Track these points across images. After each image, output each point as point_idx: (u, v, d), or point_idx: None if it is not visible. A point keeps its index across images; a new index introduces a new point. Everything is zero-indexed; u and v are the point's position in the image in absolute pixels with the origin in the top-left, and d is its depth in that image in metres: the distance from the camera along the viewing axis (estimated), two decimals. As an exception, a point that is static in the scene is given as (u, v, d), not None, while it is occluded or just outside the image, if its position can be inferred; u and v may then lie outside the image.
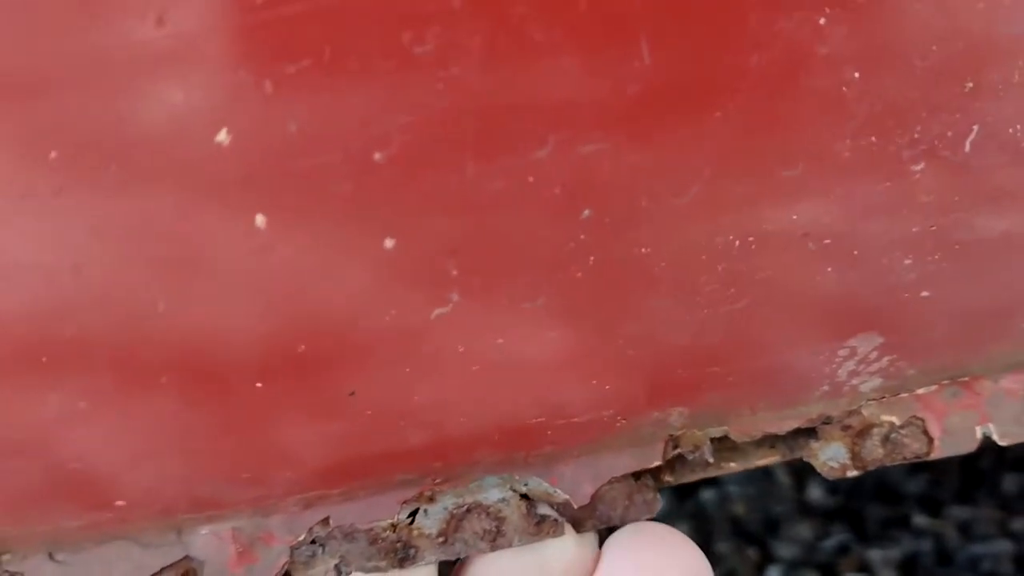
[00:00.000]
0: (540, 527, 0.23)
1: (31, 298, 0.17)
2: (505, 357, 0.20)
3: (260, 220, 0.17)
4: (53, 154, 0.16)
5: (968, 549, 0.65)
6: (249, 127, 0.16)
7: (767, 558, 0.70)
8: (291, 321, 0.18)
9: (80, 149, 0.16)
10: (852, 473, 0.24)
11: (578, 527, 0.23)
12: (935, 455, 0.24)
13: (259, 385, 0.19)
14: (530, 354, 0.20)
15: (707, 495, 0.81)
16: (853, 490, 0.78)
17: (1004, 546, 0.63)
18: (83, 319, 0.18)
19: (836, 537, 0.71)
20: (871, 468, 0.24)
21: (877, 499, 0.76)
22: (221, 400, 0.19)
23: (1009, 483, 0.72)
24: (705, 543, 0.72)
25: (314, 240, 0.17)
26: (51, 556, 0.23)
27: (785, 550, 0.71)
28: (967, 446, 0.24)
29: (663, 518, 0.70)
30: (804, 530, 0.73)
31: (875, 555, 0.67)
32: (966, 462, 0.78)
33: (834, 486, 0.79)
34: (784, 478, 0.82)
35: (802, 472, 0.83)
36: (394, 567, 0.23)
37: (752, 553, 0.71)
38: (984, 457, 0.78)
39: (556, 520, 0.23)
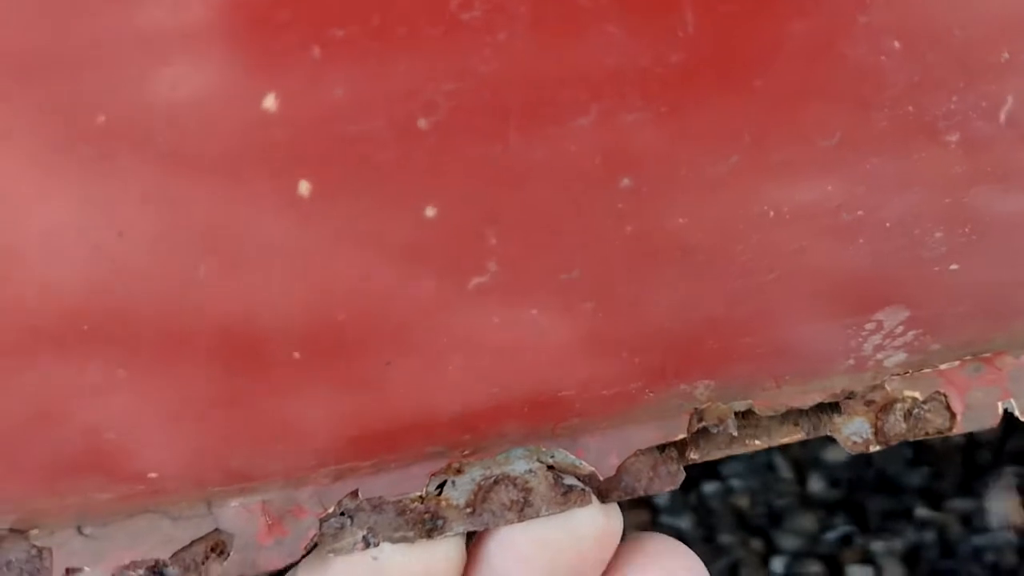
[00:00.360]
0: (567, 497, 0.23)
1: (74, 264, 0.17)
2: (538, 329, 0.20)
3: (304, 187, 0.17)
4: (101, 118, 0.16)
5: (971, 541, 0.65)
6: (296, 93, 0.16)
7: (771, 549, 0.71)
8: (331, 290, 0.19)
9: (127, 115, 0.16)
10: (875, 448, 0.24)
11: (604, 498, 0.24)
12: (957, 430, 0.24)
13: (296, 355, 0.19)
14: (563, 326, 0.20)
15: (709, 488, 0.82)
16: (854, 483, 0.78)
17: (1007, 537, 0.64)
18: (125, 286, 0.18)
19: (839, 529, 0.71)
20: (893, 443, 0.25)
21: (878, 491, 0.76)
22: (258, 370, 0.20)
23: (1009, 475, 0.73)
24: (709, 535, 0.73)
25: (356, 207, 0.17)
26: (79, 530, 0.23)
27: (789, 541, 0.71)
28: (989, 421, 0.25)
29: (667, 509, 0.70)
30: (807, 522, 0.73)
31: (878, 546, 0.67)
32: (967, 455, 0.79)
33: (835, 479, 0.80)
34: (786, 471, 0.82)
35: (804, 465, 0.83)
36: (422, 537, 0.23)
37: (756, 545, 0.71)
38: (984, 450, 0.79)
39: (583, 490, 0.23)
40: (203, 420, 0.20)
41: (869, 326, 0.22)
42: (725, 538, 0.73)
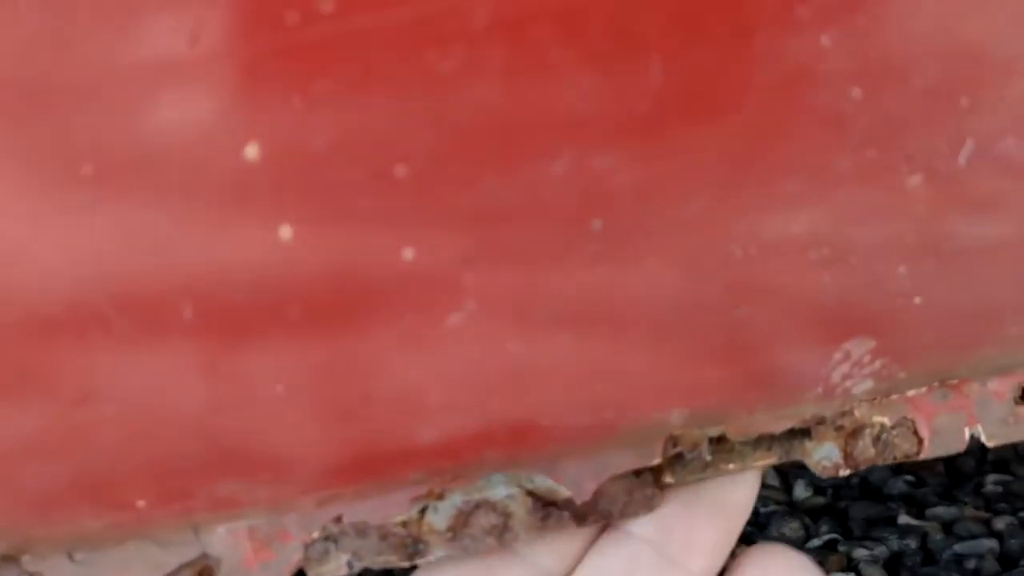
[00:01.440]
0: (545, 523, 0.24)
1: (56, 302, 0.18)
2: (516, 363, 0.21)
3: (286, 232, 0.18)
4: (87, 168, 0.17)
5: (952, 548, 0.66)
6: (278, 142, 0.17)
7: (755, 557, 0.71)
8: (312, 325, 0.19)
9: (112, 162, 0.17)
10: (844, 472, 0.25)
11: (581, 522, 0.24)
12: (925, 455, 0.25)
13: (279, 388, 0.20)
14: (539, 360, 0.21)
15: (695, 495, 0.82)
16: (839, 490, 0.79)
17: (988, 544, 0.65)
18: (108, 325, 0.18)
19: (823, 536, 0.72)
20: (863, 468, 0.25)
21: (862, 498, 0.77)
22: (244, 404, 0.20)
23: (992, 484, 0.74)
24: (694, 542, 0.73)
25: (336, 250, 0.18)
26: (70, 556, 0.23)
27: (773, 549, 0.72)
28: (956, 446, 0.25)
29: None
30: (791, 528, 0.74)
31: (861, 553, 0.68)
32: (949, 463, 0.80)
33: (820, 486, 0.81)
34: (772, 478, 0.83)
35: (789, 472, 0.84)
36: (404, 561, 0.24)
37: (741, 551, 0.72)
38: (967, 458, 0.80)
39: (561, 515, 0.24)
40: (189, 452, 0.21)
41: (837, 356, 0.23)
42: (711, 546, 0.73)
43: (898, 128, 0.19)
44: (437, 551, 0.24)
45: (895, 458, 0.25)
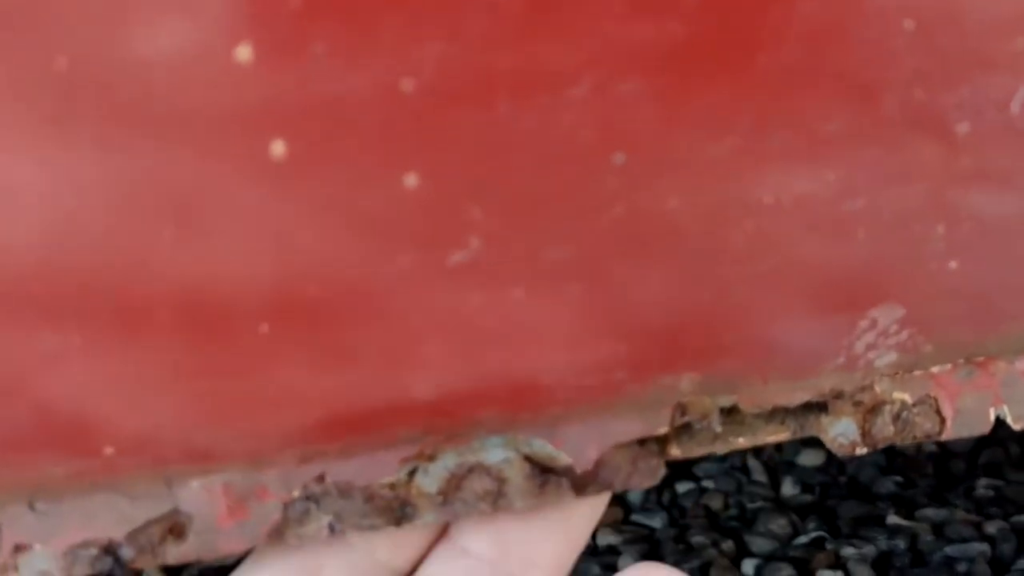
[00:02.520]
0: (543, 489, 0.22)
1: (28, 221, 0.16)
2: (521, 311, 0.19)
3: (278, 147, 0.16)
4: (62, 64, 0.15)
5: (943, 550, 0.65)
6: (273, 45, 0.15)
7: (743, 551, 0.70)
8: (303, 260, 0.18)
9: (90, 63, 0.15)
10: (861, 450, 0.24)
11: (580, 491, 0.23)
12: (947, 436, 0.24)
13: (264, 328, 0.18)
14: (546, 309, 0.19)
15: (683, 488, 0.81)
16: (827, 488, 0.78)
17: (980, 548, 0.63)
18: (82, 247, 0.17)
19: (810, 533, 0.71)
20: (881, 446, 0.24)
21: (851, 497, 0.76)
22: (223, 342, 0.19)
23: (983, 488, 0.73)
24: (681, 535, 0.72)
25: (333, 172, 0.16)
26: (31, 505, 0.22)
27: (760, 544, 0.71)
28: (980, 428, 0.24)
29: (639, 508, 0.70)
30: (779, 525, 0.73)
31: (849, 552, 0.67)
32: (940, 465, 0.79)
33: (808, 483, 0.80)
34: (760, 474, 0.82)
35: (777, 469, 0.83)
36: (391, 526, 0.22)
37: (728, 546, 0.71)
38: (958, 461, 0.79)
39: (560, 482, 0.22)
40: (162, 394, 0.19)
41: (863, 323, 0.21)
42: (697, 538, 0.72)
43: (949, 68, 0.17)
44: (426, 516, 0.22)
45: (915, 437, 0.24)
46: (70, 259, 0.17)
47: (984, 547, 0.63)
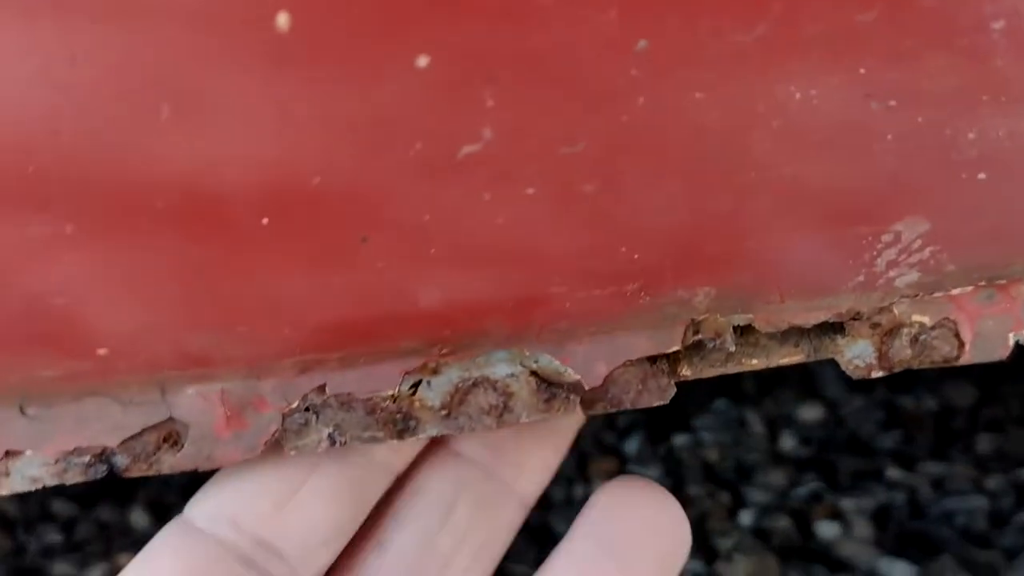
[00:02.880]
0: (550, 404, 0.22)
1: (17, 93, 0.15)
2: (533, 211, 0.18)
3: (282, 20, 0.15)
4: None
5: (942, 503, 0.65)
6: None
7: (739, 503, 0.70)
8: (306, 147, 0.17)
9: None
10: (877, 373, 0.23)
11: (588, 408, 0.22)
12: (965, 360, 0.23)
13: (265, 221, 0.17)
14: (559, 210, 0.19)
15: (680, 440, 0.81)
16: (826, 442, 0.78)
17: (979, 502, 0.63)
18: (76, 124, 0.16)
19: (809, 486, 0.71)
20: (897, 370, 0.23)
21: (850, 451, 0.75)
22: (221, 235, 0.18)
23: (983, 443, 0.72)
24: (677, 486, 0.72)
25: (340, 48, 0.16)
26: (22, 410, 0.21)
27: (757, 495, 0.70)
28: (998, 352, 0.23)
29: (635, 459, 0.69)
30: (776, 477, 0.73)
31: (848, 504, 0.66)
32: (940, 422, 0.78)
33: (807, 437, 0.79)
34: (758, 427, 0.82)
35: (776, 422, 0.82)
36: (392, 439, 0.21)
37: (724, 498, 0.70)
38: (958, 417, 0.78)
39: (567, 398, 0.22)
40: (159, 290, 0.18)
41: (886, 237, 0.20)
42: (693, 489, 0.72)
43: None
44: (429, 429, 0.22)
45: (932, 361, 0.23)
46: (60, 141, 0.16)
47: (983, 501, 0.63)
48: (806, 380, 0.92)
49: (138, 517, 0.61)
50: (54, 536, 0.54)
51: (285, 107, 0.16)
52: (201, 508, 0.23)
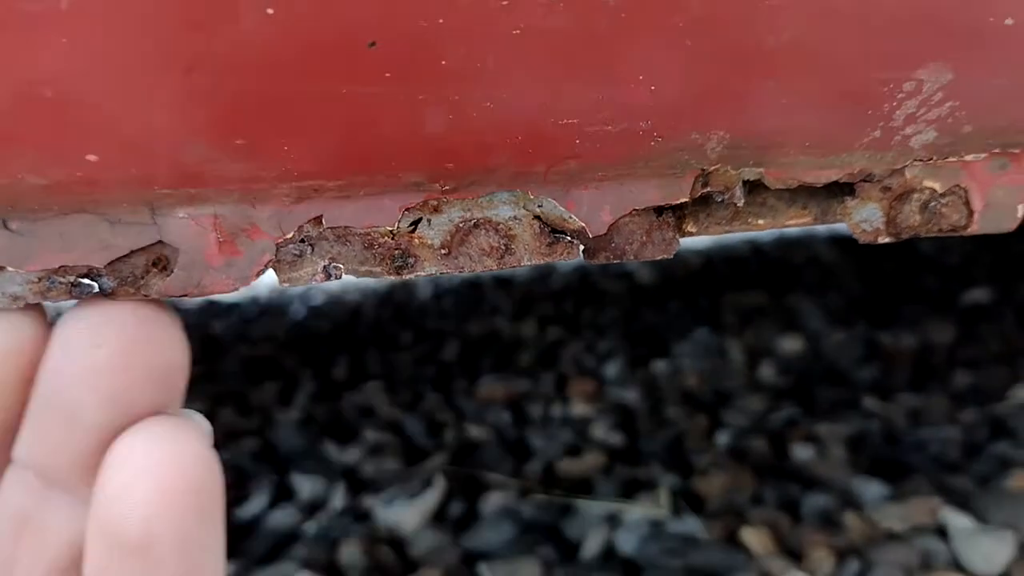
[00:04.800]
0: (552, 248, 0.21)
1: None
2: (551, 22, 0.18)
3: None
4: None
5: (916, 433, 0.65)
6: None
7: (716, 425, 0.70)
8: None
9: None
10: (884, 239, 0.23)
11: (591, 257, 0.22)
12: (973, 229, 0.23)
13: (270, 11, 0.17)
14: (578, 24, 0.18)
15: (660, 366, 0.81)
16: (804, 372, 0.78)
17: (952, 432, 0.64)
18: None
19: (785, 411, 0.71)
20: (904, 236, 0.23)
21: (828, 382, 0.76)
22: (225, 28, 0.17)
23: (961, 378, 0.73)
24: (654, 408, 0.72)
25: None
26: (5, 224, 0.20)
27: (735, 419, 0.71)
28: (1007, 223, 0.23)
29: (614, 382, 0.69)
30: (755, 403, 0.73)
31: (824, 429, 0.67)
32: (919, 357, 0.79)
33: (786, 367, 0.80)
34: (737, 355, 0.82)
35: (756, 352, 0.83)
36: (390, 274, 0.21)
37: (702, 420, 0.71)
38: (937, 352, 0.79)
39: (571, 243, 0.21)
40: (154, 84, 0.17)
41: (908, 86, 0.20)
42: (671, 411, 0.72)
43: None
44: (428, 267, 0.21)
45: (940, 230, 0.23)
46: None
47: (957, 432, 0.64)
48: (787, 313, 0.93)
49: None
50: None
51: None
52: None
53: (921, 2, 0.18)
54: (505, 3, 0.17)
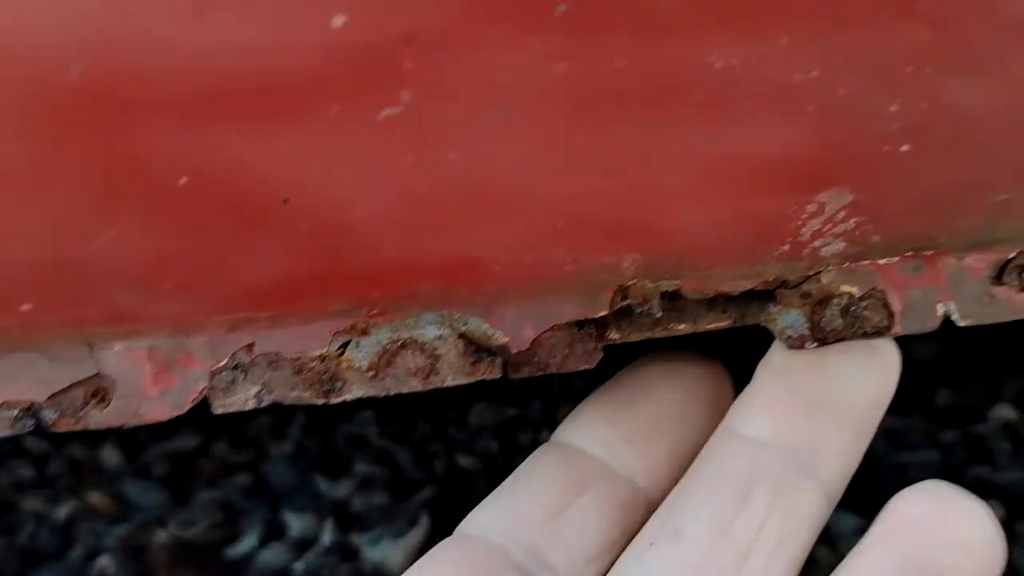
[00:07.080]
0: (476, 367, 0.22)
1: None
2: (457, 174, 0.18)
3: (190, -19, 0.15)
4: None
5: (895, 457, 0.65)
6: None
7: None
8: (219, 106, 0.17)
9: None
10: (811, 345, 0.23)
11: (514, 372, 0.22)
12: (896, 331, 0.23)
13: (184, 181, 0.17)
14: (484, 174, 0.19)
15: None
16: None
17: (932, 456, 0.64)
18: None
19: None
20: (831, 341, 0.23)
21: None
22: (144, 193, 0.18)
23: (942, 397, 0.73)
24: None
25: (251, 7, 0.15)
26: (-55, 365, 0.21)
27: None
28: (928, 323, 0.23)
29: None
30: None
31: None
32: (901, 375, 0.79)
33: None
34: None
35: (733, 371, 0.83)
36: (318, 399, 0.22)
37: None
38: (917, 371, 0.79)
39: (492, 361, 0.22)
40: (82, 246, 0.18)
41: (810, 208, 0.21)
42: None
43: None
44: (356, 390, 0.22)
45: (865, 333, 0.23)
46: None
47: (936, 455, 0.64)
48: (765, 332, 0.92)
49: (109, 455, 0.61)
50: (26, 471, 0.54)
51: (199, 63, 0.16)
52: (474, 522, 0.24)
53: (815, 135, 0.19)
54: (410, 161, 0.18)
